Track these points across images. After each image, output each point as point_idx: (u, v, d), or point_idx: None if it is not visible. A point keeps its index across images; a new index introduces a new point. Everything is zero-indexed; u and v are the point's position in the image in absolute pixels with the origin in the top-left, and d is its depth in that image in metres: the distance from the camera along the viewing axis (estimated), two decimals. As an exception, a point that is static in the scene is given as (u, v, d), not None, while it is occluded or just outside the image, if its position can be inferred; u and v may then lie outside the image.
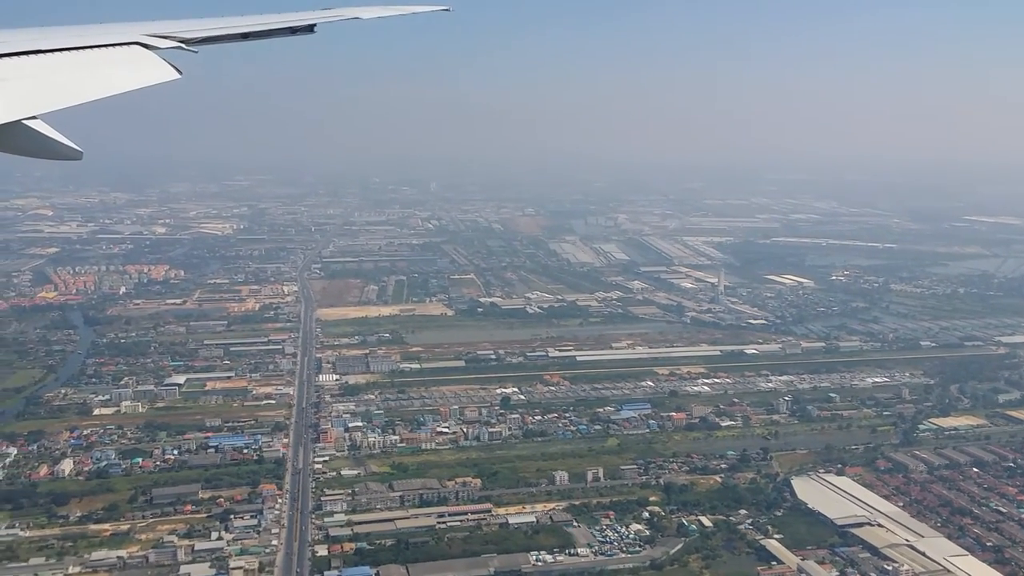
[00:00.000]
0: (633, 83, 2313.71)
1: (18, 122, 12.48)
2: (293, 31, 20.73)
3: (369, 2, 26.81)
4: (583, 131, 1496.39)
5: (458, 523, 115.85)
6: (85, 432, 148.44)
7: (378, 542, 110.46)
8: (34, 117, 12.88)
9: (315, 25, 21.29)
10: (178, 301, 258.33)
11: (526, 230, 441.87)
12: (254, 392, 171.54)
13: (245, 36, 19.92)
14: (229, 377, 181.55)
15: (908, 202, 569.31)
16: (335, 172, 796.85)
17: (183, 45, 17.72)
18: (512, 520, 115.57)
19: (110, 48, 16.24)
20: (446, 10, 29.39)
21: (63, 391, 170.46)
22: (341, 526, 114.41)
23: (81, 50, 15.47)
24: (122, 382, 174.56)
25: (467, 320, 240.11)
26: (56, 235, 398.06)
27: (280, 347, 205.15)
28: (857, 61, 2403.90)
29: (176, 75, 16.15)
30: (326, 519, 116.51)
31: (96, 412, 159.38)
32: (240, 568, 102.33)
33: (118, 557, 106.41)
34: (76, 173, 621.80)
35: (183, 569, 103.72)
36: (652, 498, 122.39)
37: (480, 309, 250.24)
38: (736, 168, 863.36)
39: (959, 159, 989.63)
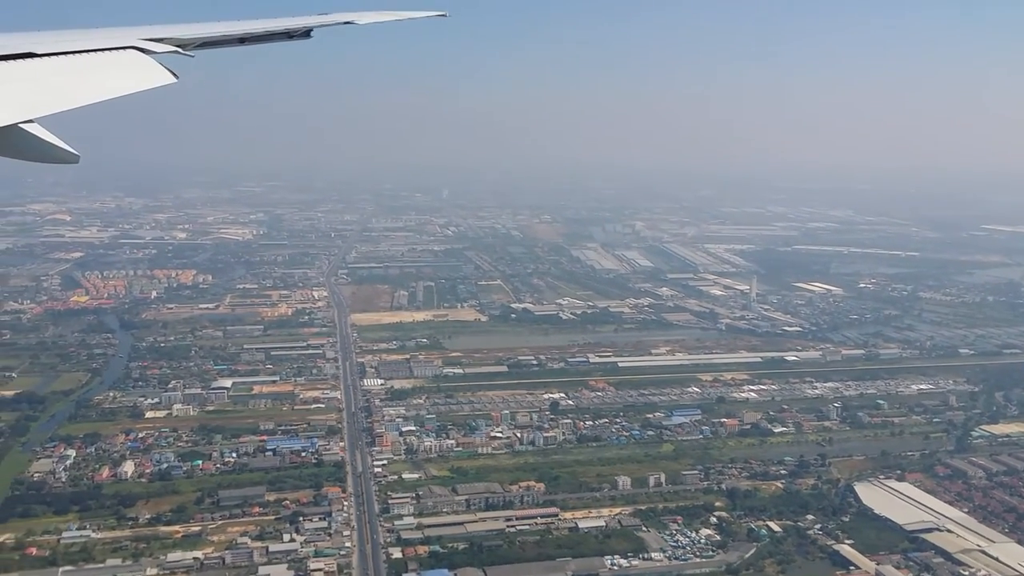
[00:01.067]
0: (636, 91, 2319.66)
1: (14, 126, 12.50)
2: (290, 35, 20.84)
3: (366, 7, 27.00)
4: (587, 139, 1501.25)
5: (527, 527, 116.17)
6: (140, 435, 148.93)
7: (450, 545, 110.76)
8: (31, 121, 12.90)
9: (312, 30, 21.38)
10: (211, 306, 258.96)
11: (545, 237, 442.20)
12: (301, 396, 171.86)
13: (242, 40, 19.96)
14: (274, 381, 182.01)
15: (923, 211, 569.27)
16: (344, 179, 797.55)
17: (180, 49, 17.77)
18: (582, 524, 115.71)
19: (107, 52, 16.27)
20: (443, 15, 29.45)
21: (111, 394, 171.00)
22: (412, 529, 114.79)
23: (78, 54, 15.51)
24: (170, 385, 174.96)
25: (501, 326, 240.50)
26: (78, 240, 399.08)
27: (320, 352, 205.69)
28: (859, 71, 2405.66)
29: (172, 79, 16.16)
30: (396, 522, 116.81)
31: (148, 415, 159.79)
32: (320, 570, 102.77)
33: (194, 559, 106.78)
34: (89, 179, 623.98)
35: (261, 571, 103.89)
36: (717, 503, 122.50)
37: (513, 315, 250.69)
38: (744, 176, 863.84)
39: (963, 168, 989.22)
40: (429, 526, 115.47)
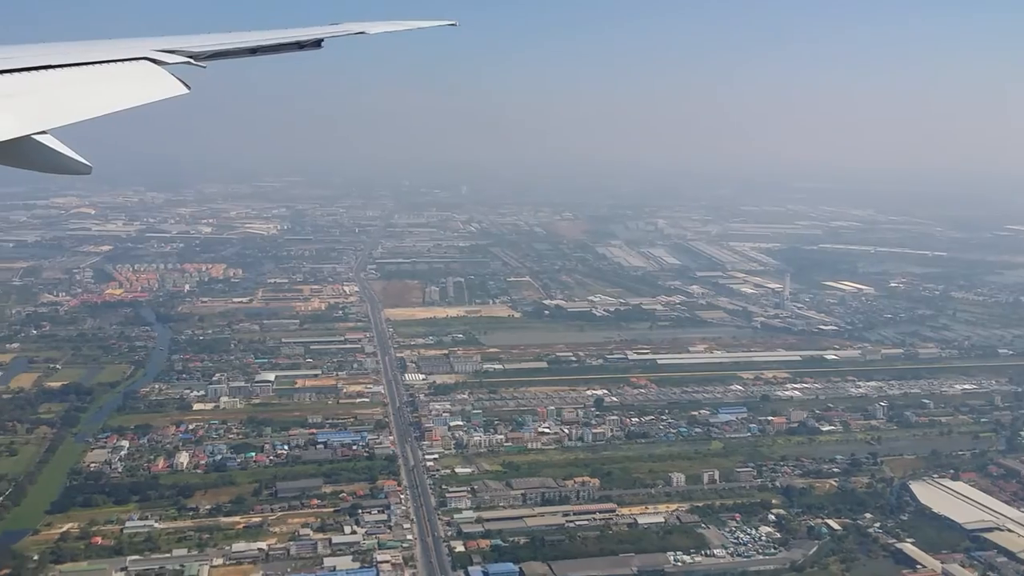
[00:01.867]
0: (650, 91, 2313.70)
1: (28, 137, 12.50)
2: (301, 46, 20.75)
3: (376, 17, 26.80)
4: (600, 138, 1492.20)
5: (586, 522, 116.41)
6: (191, 427, 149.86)
7: (511, 539, 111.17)
8: (44, 132, 12.88)
9: (322, 40, 21.25)
10: (244, 299, 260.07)
11: (569, 234, 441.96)
12: (345, 390, 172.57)
13: (253, 51, 19.92)
14: (316, 375, 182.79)
15: (945, 211, 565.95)
16: (361, 176, 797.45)
17: (192, 60, 17.75)
18: (640, 520, 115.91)
19: (119, 63, 16.33)
20: (452, 24, 29.63)
21: (156, 386, 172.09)
22: (472, 523, 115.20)
23: (91, 65, 15.55)
24: (214, 378, 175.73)
25: (535, 322, 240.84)
26: (105, 233, 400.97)
27: (358, 346, 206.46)
28: (875, 72, 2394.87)
29: (185, 90, 16.17)
30: (455, 515, 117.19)
31: (196, 407, 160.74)
32: (386, 561, 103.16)
33: (259, 549, 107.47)
34: (108, 173, 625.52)
35: (326, 562, 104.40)
36: (773, 501, 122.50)
37: (546, 312, 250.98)
38: (760, 176, 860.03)
39: (982, 169, 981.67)
40: (488, 520, 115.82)
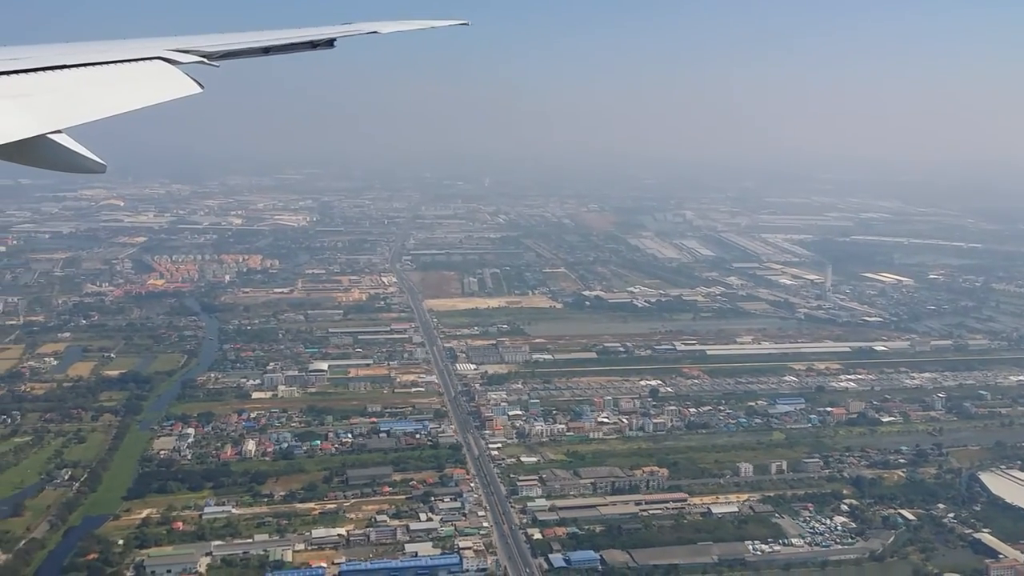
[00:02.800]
0: (670, 83, 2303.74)
1: (43, 136, 12.52)
2: (314, 45, 20.82)
3: (388, 17, 26.56)
4: (615, 130, 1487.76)
5: (659, 511, 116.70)
6: (252, 415, 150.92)
7: (587, 527, 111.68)
8: (59, 131, 12.87)
9: (335, 40, 21.30)
10: (285, 290, 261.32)
11: (598, 226, 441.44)
12: (398, 380, 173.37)
13: (266, 51, 19.96)
14: (368, 364, 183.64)
15: (972, 203, 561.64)
16: (382, 167, 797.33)
17: (205, 60, 17.81)
18: (715, 510, 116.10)
19: (134, 63, 16.41)
20: (464, 24, 29.70)
21: (212, 375, 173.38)
22: (546, 511, 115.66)
23: (105, 65, 15.63)
24: (269, 367, 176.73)
25: (577, 313, 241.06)
26: (137, 225, 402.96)
27: (405, 336, 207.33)
28: (896, 63, 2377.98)
29: (198, 89, 16.25)
30: (528, 504, 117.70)
31: (255, 396, 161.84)
32: (468, 548, 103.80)
33: (338, 535, 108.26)
34: (130, 167, 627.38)
35: (407, 548, 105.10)
36: (844, 491, 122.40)
37: (587, 303, 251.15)
38: (783, 168, 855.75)
39: (1006, 161, 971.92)
40: (562, 508, 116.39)
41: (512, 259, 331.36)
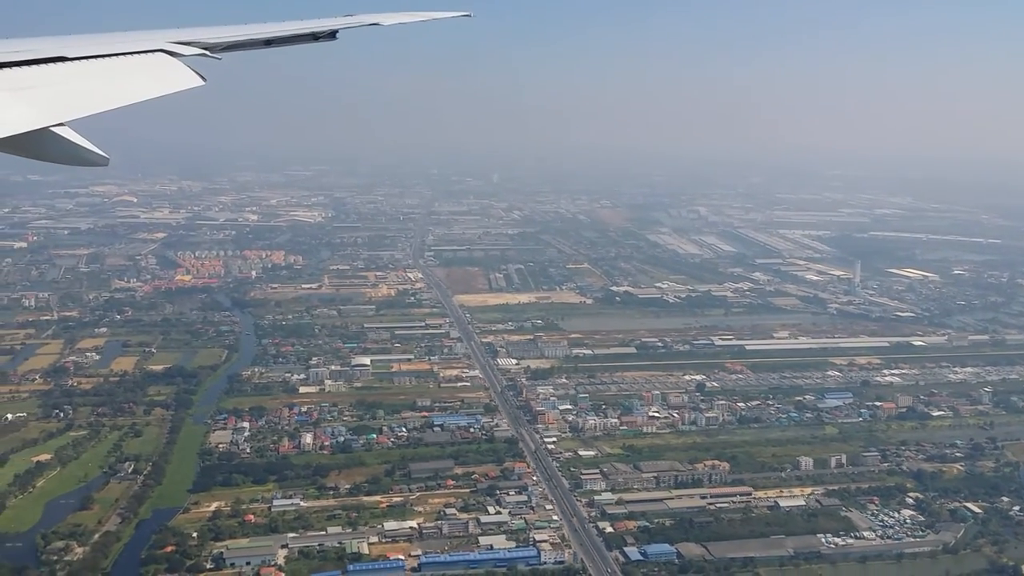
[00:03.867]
0: (667, 80, 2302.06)
1: (45, 129, 12.50)
2: (316, 37, 20.80)
3: (390, 8, 26.57)
4: (619, 127, 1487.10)
5: (726, 504, 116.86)
6: (303, 409, 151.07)
7: (656, 521, 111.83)
8: (61, 124, 12.86)
9: (337, 31, 21.25)
10: (312, 286, 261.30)
11: (613, 222, 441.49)
12: (442, 374, 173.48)
13: (268, 43, 19.92)
14: (410, 360, 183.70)
15: (983, 199, 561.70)
16: (388, 164, 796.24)
17: (207, 52, 17.76)
18: (782, 503, 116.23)
19: (135, 55, 16.32)
20: (467, 15, 29.51)
21: (256, 370, 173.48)
22: (613, 504, 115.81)
23: (107, 57, 15.52)
24: (312, 362, 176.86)
25: (608, 308, 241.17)
26: (154, 221, 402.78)
27: (441, 331, 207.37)
28: (899, 59, 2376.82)
29: (200, 82, 16.18)
30: (595, 497, 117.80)
31: (302, 390, 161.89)
32: (545, 541, 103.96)
33: (410, 527, 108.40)
34: (140, 161, 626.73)
35: (482, 541, 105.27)
36: (908, 485, 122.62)
37: (617, 298, 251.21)
38: (789, 164, 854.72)
39: (1012, 157, 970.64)
40: (629, 502, 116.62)
41: (534, 255, 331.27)
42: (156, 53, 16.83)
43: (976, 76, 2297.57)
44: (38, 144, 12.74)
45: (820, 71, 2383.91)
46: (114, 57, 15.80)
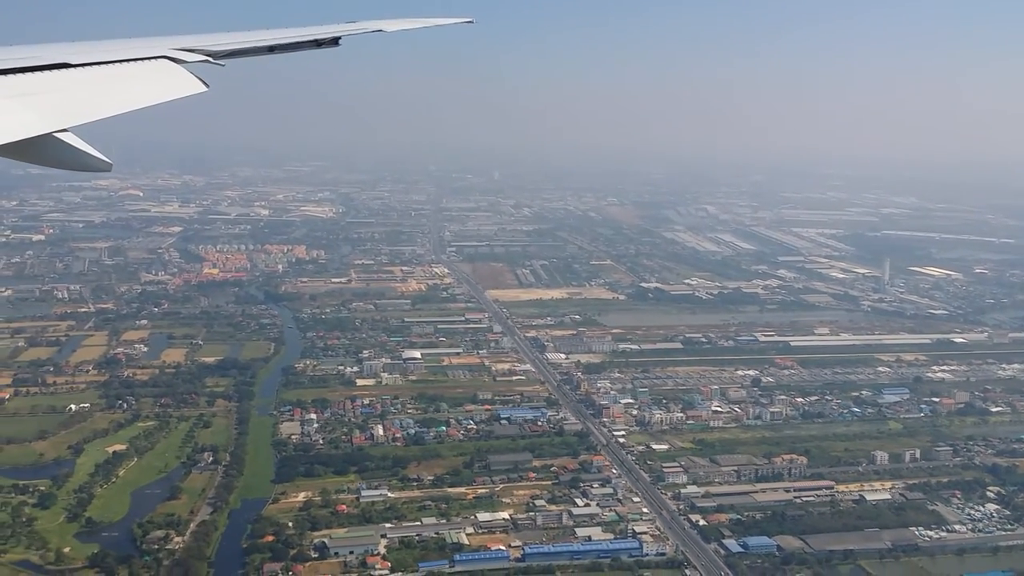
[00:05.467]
0: (660, 81, 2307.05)
1: (49, 135, 12.54)
2: (319, 44, 20.83)
3: (392, 14, 26.87)
4: (614, 125, 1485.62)
5: (812, 498, 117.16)
6: (366, 401, 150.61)
7: (747, 513, 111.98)
8: (65, 130, 12.91)
9: (340, 38, 21.36)
10: (342, 280, 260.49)
11: (625, 219, 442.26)
12: (494, 368, 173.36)
13: (271, 49, 19.95)
14: (458, 353, 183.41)
15: (987, 199, 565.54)
16: (386, 160, 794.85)
17: (210, 59, 17.85)
18: (868, 497, 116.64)
19: (139, 62, 16.40)
20: (469, 22, 29.74)
21: (307, 363, 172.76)
22: (700, 497, 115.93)
23: (111, 64, 15.61)
24: (363, 355, 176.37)
25: (642, 304, 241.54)
26: (166, 215, 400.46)
27: (484, 326, 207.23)
28: (890, 61, 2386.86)
29: (203, 88, 16.30)
30: (681, 490, 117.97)
31: (359, 383, 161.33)
32: (645, 533, 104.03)
33: (504, 519, 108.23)
34: (136, 157, 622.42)
35: (579, 532, 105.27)
36: (986, 479, 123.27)
37: (649, 295, 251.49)
38: (785, 163, 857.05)
39: (988, 159, 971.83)
40: (716, 495, 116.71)
41: (554, 251, 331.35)
42: (159, 60, 16.85)
43: (963, 80, 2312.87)
44: (42, 150, 12.78)
45: (812, 72, 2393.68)
46: (118, 64, 15.86)
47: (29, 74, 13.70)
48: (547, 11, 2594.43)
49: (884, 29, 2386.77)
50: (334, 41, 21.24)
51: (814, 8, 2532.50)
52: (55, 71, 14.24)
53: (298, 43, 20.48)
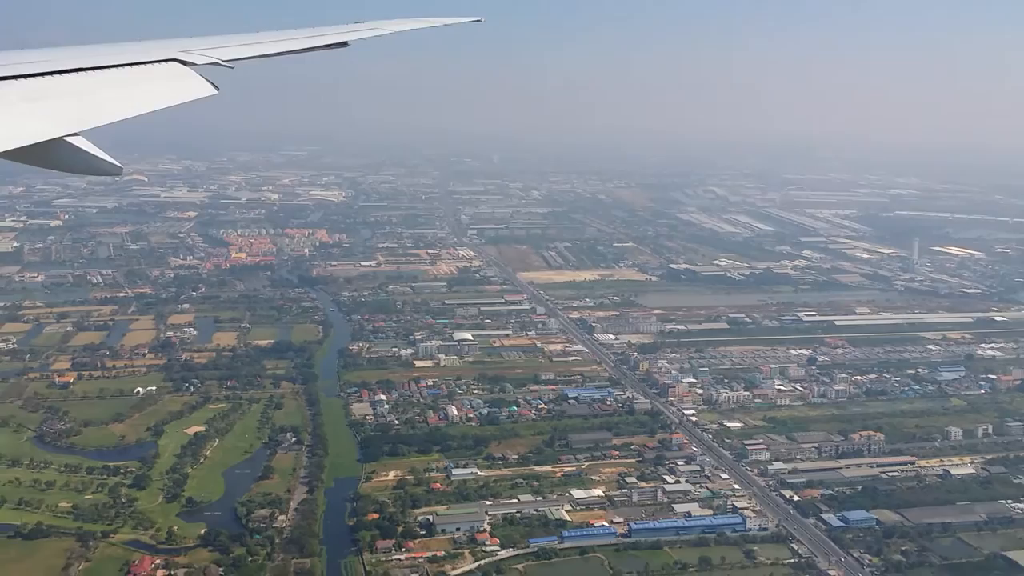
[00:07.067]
0: (650, 63, 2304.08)
1: (60, 138, 12.57)
2: (327, 46, 20.88)
3: (399, 14, 26.82)
4: (602, 110, 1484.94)
5: (897, 473, 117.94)
6: (430, 382, 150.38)
7: (837, 489, 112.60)
8: (75, 134, 12.93)
9: (348, 41, 21.36)
10: (371, 263, 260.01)
11: (636, 201, 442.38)
12: (547, 349, 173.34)
13: (280, 52, 20.06)
14: (508, 335, 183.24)
15: (988, 179, 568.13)
16: (381, 144, 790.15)
17: (219, 61, 17.92)
18: (952, 472, 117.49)
19: (149, 65, 16.43)
20: (479, 21, 29.84)
21: (360, 345, 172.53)
22: (788, 473, 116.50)
23: (121, 67, 15.65)
24: (415, 337, 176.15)
25: (676, 285, 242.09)
26: (176, 200, 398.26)
27: (525, 308, 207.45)
28: (882, 45, 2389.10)
29: (213, 91, 16.32)
30: (768, 467, 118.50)
31: (417, 364, 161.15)
32: (745, 508, 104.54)
33: (599, 496, 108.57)
34: (130, 140, 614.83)
35: (678, 508, 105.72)
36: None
37: (682, 276, 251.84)
38: (780, 146, 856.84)
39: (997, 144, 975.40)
40: (804, 471, 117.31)
41: (574, 234, 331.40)
42: (169, 63, 16.86)
43: (959, 64, 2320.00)
44: (53, 154, 12.77)
45: (804, 56, 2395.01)
46: (127, 67, 15.86)
47: (40, 79, 13.67)
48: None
49: (881, 14, 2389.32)
50: (342, 43, 21.18)
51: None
52: (65, 75, 14.21)
53: (307, 47, 20.46)
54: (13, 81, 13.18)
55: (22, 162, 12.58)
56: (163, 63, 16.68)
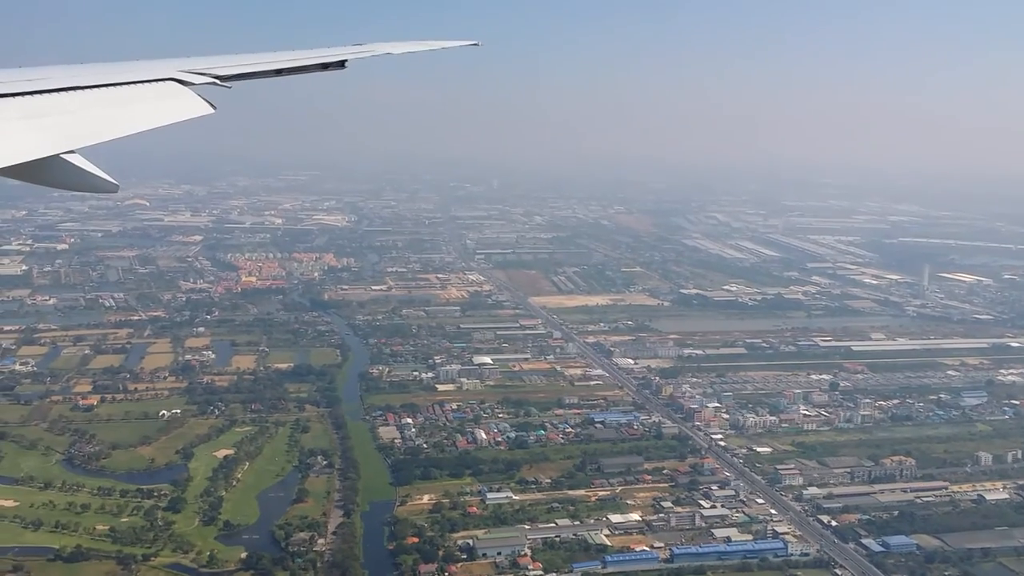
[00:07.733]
0: (646, 89, 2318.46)
1: (56, 156, 12.66)
2: (325, 67, 20.90)
3: (399, 37, 27.23)
4: (599, 135, 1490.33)
5: (932, 498, 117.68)
6: (453, 406, 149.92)
7: (873, 514, 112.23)
8: (72, 151, 13.02)
9: (346, 61, 21.28)
10: (381, 288, 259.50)
11: (639, 227, 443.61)
12: (567, 373, 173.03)
13: (278, 72, 20.01)
14: (527, 359, 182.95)
15: (988, 207, 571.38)
16: (380, 170, 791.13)
17: (217, 81, 18.00)
18: (987, 497, 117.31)
19: (146, 84, 16.55)
20: (475, 44, 29.77)
21: (380, 368, 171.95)
22: (823, 498, 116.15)
23: (118, 86, 15.80)
24: (435, 361, 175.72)
25: (688, 310, 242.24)
26: (182, 224, 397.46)
27: (541, 332, 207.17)
28: (863, 71, 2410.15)
29: (210, 110, 16.38)
30: (803, 492, 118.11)
31: (439, 388, 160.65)
32: (787, 534, 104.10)
33: (636, 520, 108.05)
34: (127, 165, 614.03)
35: (716, 533, 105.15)
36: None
37: (694, 301, 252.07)
38: (779, 171, 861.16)
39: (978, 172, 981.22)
40: (840, 496, 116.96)
41: (581, 259, 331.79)
42: (166, 82, 16.97)
43: (954, 91, 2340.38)
44: (50, 171, 12.85)
45: (801, 83, 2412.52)
46: (125, 86, 15.99)
47: (37, 96, 13.75)
48: (523, 22, 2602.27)
49: (875, 39, 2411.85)
50: (340, 64, 21.11)
51: (798, 16, 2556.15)
52: (63, 93, 14.30)
53: (304, 66, 20.41)
54: (11, 99, 13.27)
55: (18, 179, 12.63)
56: (161, 82, 16.78)
